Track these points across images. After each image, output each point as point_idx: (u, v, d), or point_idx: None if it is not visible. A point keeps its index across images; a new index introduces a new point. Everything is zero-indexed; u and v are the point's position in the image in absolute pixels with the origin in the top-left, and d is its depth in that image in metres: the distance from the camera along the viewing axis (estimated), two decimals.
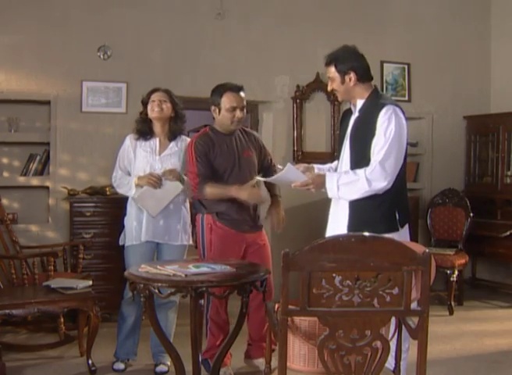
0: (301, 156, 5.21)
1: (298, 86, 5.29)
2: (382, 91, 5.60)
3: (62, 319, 4.00)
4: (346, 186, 2.62)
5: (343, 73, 2.72)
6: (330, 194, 2.69)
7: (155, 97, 3.49)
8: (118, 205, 3.96)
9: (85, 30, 4.74)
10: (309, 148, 5.31)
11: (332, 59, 2.74)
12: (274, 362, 2.64)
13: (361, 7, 5.56)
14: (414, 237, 5.16)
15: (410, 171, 5.85)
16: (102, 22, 4.78)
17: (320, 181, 2.71)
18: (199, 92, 4.97)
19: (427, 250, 2.04)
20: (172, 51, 4.98)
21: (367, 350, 2.01)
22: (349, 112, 2.86)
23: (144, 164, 3.48)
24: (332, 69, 2.74)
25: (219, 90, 3.29)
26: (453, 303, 4.91)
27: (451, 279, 4.91)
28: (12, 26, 4.60)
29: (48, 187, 4.70)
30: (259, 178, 3.12)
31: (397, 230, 2.70)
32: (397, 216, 2.71)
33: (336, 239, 2.02)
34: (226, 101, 3.25)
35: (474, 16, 5.99)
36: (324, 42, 5.37)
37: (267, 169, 3.45)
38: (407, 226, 2.79)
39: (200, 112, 7.49)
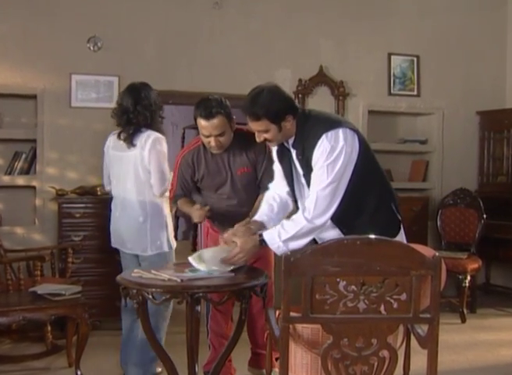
0: None
1: (300, 80, 5.30)
2: (390, 85, 5.62)
3: (49, 328, 4.01)
4: (291, 240, 2.52)
5: (279, 122, 2.54)
6: (279, 252, 2.53)
7: None
8: (109, 206, 3.96)
9: (74, 20, 4.75)
10: None
11: (263, 113, 2.51)
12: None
13: None
14: (423, 240, 5.22)
15: (420, 170, 5.86)
16: (92, 11, 4.79)
17: (251, 246, 2.61)
18: (195, 86, 4.99)
19: (437, 253, 2.05)
20: (167, 42, 4.99)
21: (373, 359, 2.02)
22: (284, 148, 2.72)
23: None
24: (264, 122, 2.53)
25: (196, 110, 3.05)
26: (465, 310, 4.91)
27: (463, 285, 4.92)
28: None
29: (34, 187, 4.70)
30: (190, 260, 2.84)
31: (400, 228, 2.66)
32: (398, 215, 2.66)
33: (341, 242, 2.03)
34: (199, 126, 3.07)
35: (488, 5, 5.99)
36: (328, 33, 5.40)
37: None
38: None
39: None
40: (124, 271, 3.07)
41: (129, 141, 3.36)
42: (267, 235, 2.57)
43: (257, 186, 3.26)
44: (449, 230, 5.51)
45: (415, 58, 5.72)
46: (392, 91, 5.65)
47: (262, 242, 2.58)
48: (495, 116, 5.79)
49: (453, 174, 5.80)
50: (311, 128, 2.57)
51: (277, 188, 2.88)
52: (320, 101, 5.36)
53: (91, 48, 4.77)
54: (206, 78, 5.04)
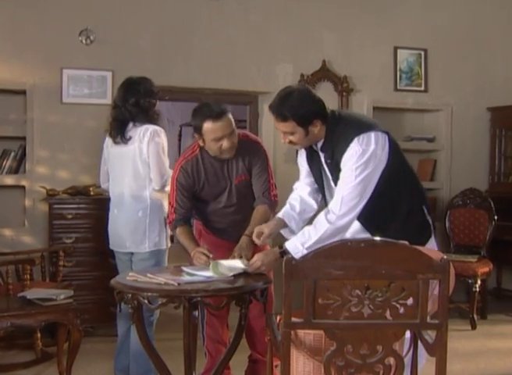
0: None
1: (302, 75, 5.30)
2: (396, 80, 5.62)
3: (39, 335, 4.01)
4: (315, 246, 2.52)
5: (306, 125, 2.61)
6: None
7: None
8: (102, 206, 3.97)
9: (65, 11, 4.75)
10: None
11: (291, 114, 2.58)
12: None
13: None
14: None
15: (427, 169, 5.86)
16: (85, 2, 4.80)
17: (272, 259, 2.72)
18: (192, 82, 4.99)
19: (445, 256, 2.05)
20: (163, 35, 5.00)
21: (378, 367, 2.02)
22: (313, 151, 2.79)
23: None
24: (291, 124, 2.60)
25: (198, 116, 3.02)
26: (475, 316, 4.92)
27: (473, 289, 4.92)
28: None
29: (23, 187, 4.71)
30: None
31: (431, 232, 2.73)
32: (429, 219, 2.72)
33: (344, 244, 2.03)
34: (208, 132, 2.99)
35: None
36: (331, 26, 5.41)
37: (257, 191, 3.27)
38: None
39: (194, 104, 7.50)
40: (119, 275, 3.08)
41: (121, 137, 3.40)
42: (289, 245, 2.63)
43: (253, 196, 3.27)
44: (458, 231, 5.51)
45: (422, 52, 5.73)
46: (398, 87, 5.66)
47: (284, 253, 2.63)
48: (507, 113, 5.79)
49: (463, 173, 5.80)
50: (341, 132, 2.62)
51: (300, 189, 2.97)
52: (323, 98, 5.21)
53: (83, 41, 4.77)
54: (203, 73, 5.04)
